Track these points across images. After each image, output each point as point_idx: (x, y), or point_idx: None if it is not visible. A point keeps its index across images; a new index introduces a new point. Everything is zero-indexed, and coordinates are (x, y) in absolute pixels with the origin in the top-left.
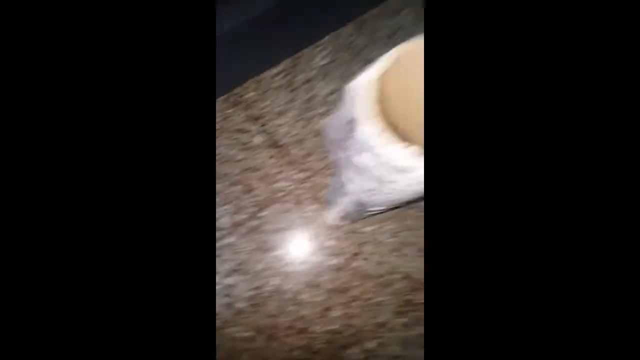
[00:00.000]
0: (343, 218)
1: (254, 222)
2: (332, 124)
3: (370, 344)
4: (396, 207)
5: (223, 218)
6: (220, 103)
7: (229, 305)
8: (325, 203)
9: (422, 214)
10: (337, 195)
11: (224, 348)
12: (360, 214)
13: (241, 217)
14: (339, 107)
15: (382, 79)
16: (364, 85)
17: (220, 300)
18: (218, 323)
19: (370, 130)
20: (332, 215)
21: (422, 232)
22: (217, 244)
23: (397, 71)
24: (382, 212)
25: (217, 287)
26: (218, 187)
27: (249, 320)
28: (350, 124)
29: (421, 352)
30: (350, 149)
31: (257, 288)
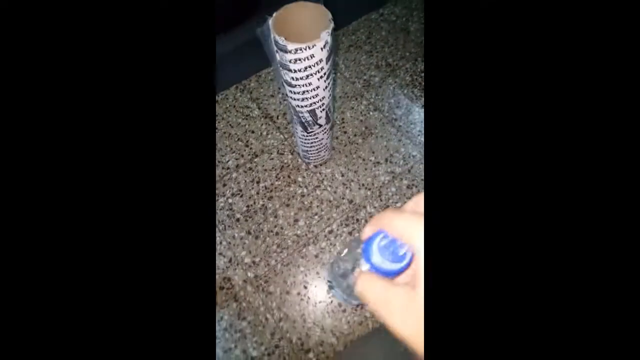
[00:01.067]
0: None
1: (250, 164)
2: (269, 43)
3: (323, 244)
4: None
5: (230, 161)
6: (232, 90)
7: (229, 216)
8: (299, 157)
9: (364, 155)
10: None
11: (226, 245)
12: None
13: (242, 161)
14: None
15: (275, 20)
16: (271, 24)
17: (225, 213)
18: (222, 227)
19: (276, 37)
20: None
21: (363, 170)
22: (225, 178)
23: (281, 17)
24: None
25: (223, 204)
26: (228, 142)
27: (243, 226)
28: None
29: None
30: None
31: (249, 206)
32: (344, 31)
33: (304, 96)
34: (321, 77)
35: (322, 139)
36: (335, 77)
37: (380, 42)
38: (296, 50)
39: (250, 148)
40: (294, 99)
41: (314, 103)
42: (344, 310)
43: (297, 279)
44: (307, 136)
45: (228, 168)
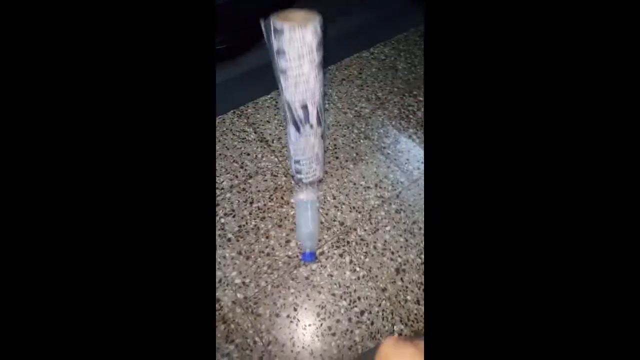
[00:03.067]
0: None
1: (244, 185)
2: (269, 34)
3: (314, 266)
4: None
5: (224, 182)
6: (230, 115)
7: (221, 236)
8: (292, 177)
9: (354, 180)
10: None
11: (216, 265)
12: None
13: (236, 181)
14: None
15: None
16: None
17: (217, 233)
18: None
19: (275, 22)
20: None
21: (353, 194)
22: (219, 198)
23: (281, 16)
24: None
25: (216, 224)
26: (224, 163)
27: (234, 246)
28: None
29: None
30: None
31: (241, 226)
32: (338, 66)
33: (297, 86)
34: (312, 64)
35: (314, 145)
36: (328, 107)
37: (370, 77)
38: (290, 29)
39: (245, 169)
40: (288, 92)
41: (306, 95)
42: (334, 334)
43: (287, 301)
44: (299, 138)
45: (222, 188)
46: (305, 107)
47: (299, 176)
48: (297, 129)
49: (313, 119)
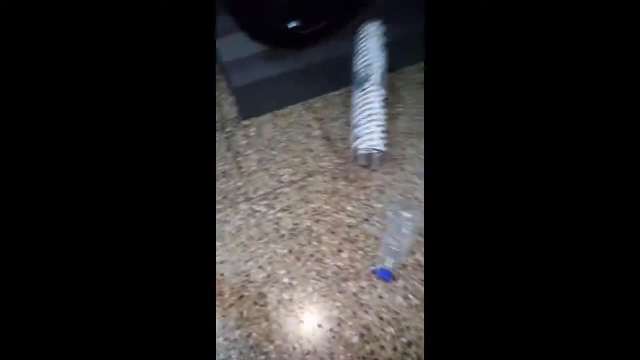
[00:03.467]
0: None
1: (303, 183)
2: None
3: (364, 283)
4: None
5: (284, 175)
6: (298, 106)
7: (276, 230)
8: (353, 181)
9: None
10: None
11: (267, 259)
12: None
13: (295, 177)
14: None
15: None
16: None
17: (272, 226)
18: (266, 240)
19: None
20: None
21: (419, 215)
22: (277, 191)
23: None
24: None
25: (272, 217)
26: (286, 156)
27: (286, 243)
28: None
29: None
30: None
31: (295, 224)
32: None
33: None
34: None
35: (374, 106)
36: (401, 111)
37: None
38: None
39: (306, 166)
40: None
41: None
42: None
43: (332, 314)
44: (361, 96)
45: (282, 182)
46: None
47: (357, 139)
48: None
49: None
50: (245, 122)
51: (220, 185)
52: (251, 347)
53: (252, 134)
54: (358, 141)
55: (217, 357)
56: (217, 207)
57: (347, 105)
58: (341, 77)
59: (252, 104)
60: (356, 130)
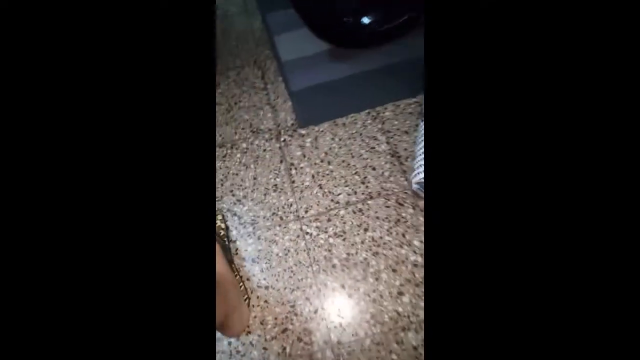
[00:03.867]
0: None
1: (362, 206)
2: None
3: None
4: None
5: (341, 195)
6: (363, 115)
7: (326, 259)
8: (423, 210)
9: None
10: None
11: (316, 291)
12: None
13: (354, 198)
14: None
15: None
16: None
17: (322, 253)
18: (316, 269)
19: None
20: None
21: None
22: (332, 212)
23: None
24: None
25: (323, 242)
26: (344, 172)
27: (337, 276)
28: None
29: None
30: None
31: (349, 254)
32: None
33: None
34: None
35: None
36: None
37: None
38: None
39: (367, 187)
40: None
41: None
42: None
43: None
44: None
45: (337, 202)
46: None
47: (418, 186)
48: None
49: None
50: (302, 131)
51: (271, 199)
52: None
53: (308, 144)
54: (413, 174)
55: None
56: (266, 223)
57: (421, 116)
58: (417, 82)
59: (312, 111)
60: (415, 162)
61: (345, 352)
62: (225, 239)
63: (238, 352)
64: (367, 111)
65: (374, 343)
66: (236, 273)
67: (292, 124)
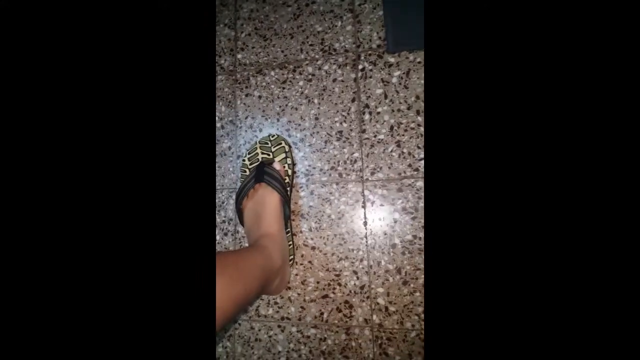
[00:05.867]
0: None
1: None
2: None
3: None
4: None
5: (423, 161)
6: None
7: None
8: None
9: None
10: None
11: (366, 266)
12: None
13: None
14: None
15: None
16: None
17: (378, 228)
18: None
19: None
20: None
21: None
22: (403, 181)
23: None
24: None
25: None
26: None
27: (394, 258)
28: None
29: None
30: None
31: (414, 236)
32: None
33: None
34: None
35: None
36: None
37: None
38: None
39: None
40: None
41: None
42: None
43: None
44: None
45: (417, 169)
46: None
47: None
48: None
49: None
50: (391, 59)
51: (332, 150)
52: (322, 352)
53: (395, 79)
54: None
55: (288, 346)
56: (322, 178)
57: None
58: None
59: (411, 29)
60: None
61: (386, 337)
62: (288, 188)
63: (276, 303)
64: None
65: (420, 338)
66: (289, 230)
67: (379, 46)
